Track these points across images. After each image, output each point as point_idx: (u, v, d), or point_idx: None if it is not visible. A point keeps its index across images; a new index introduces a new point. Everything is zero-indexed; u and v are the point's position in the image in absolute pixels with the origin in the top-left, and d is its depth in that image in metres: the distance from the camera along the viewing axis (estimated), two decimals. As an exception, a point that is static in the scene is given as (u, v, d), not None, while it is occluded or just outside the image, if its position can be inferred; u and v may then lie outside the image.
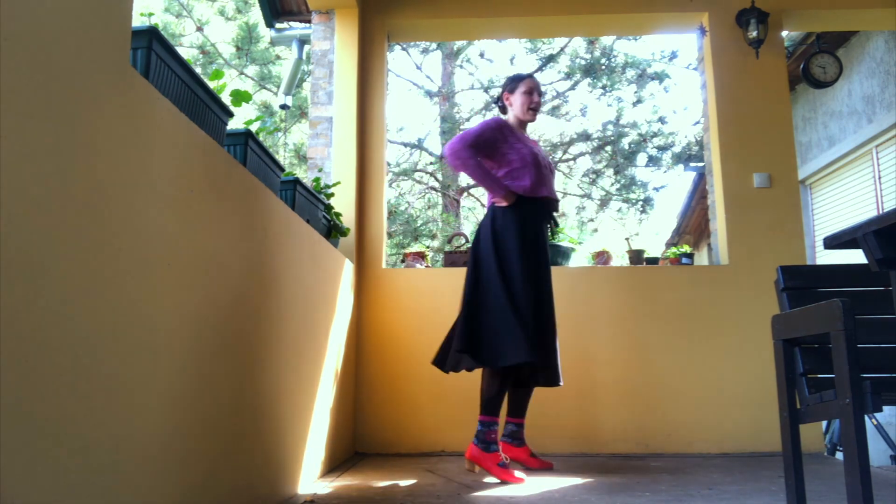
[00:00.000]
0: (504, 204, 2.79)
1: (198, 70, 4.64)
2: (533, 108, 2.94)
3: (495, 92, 9.26)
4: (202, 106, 1.69)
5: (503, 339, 2.59)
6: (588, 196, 9.81)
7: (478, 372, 2.81)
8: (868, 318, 1.83)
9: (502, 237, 2.76)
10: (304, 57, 4.72)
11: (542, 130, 9.96)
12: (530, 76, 3.02)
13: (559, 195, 3.14)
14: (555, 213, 2.99)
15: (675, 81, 10.28)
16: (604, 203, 9.78)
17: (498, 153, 2.83)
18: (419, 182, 9.58)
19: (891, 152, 4.84)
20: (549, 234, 2.96)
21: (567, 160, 9.63)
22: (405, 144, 9.58)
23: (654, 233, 14.33)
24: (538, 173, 2.82)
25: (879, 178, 4.97)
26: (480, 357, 2.63)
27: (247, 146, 1.99)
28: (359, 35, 3.73)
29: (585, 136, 9.45)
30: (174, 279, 1.41)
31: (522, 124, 2.99)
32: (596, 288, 3.54)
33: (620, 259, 4.23)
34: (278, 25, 4.59)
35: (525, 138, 2.95)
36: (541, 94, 2.99)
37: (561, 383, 2.85)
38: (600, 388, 3.43)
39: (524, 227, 2.77)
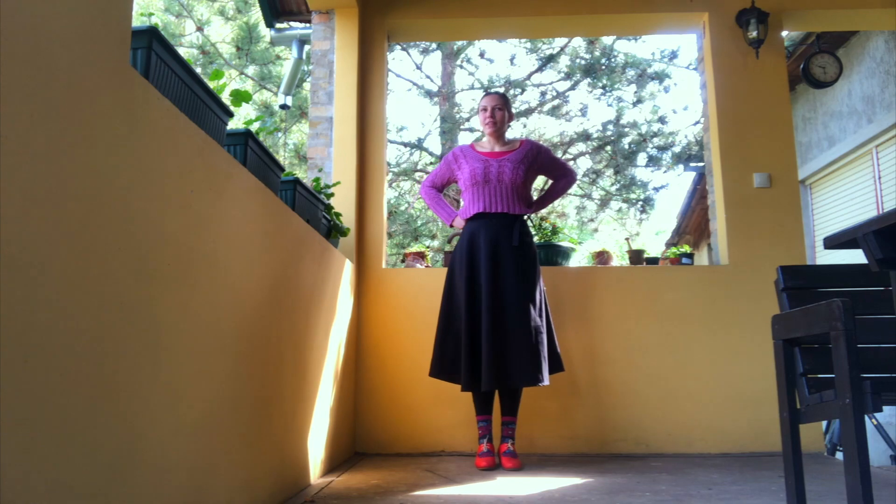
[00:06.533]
0: (459, 228, 3.14)
1: (198, 70, 4.64)
2: (489, 123, 3.15)
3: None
4: (202, 106, 1.69)
5: (463, 365, 2.87)
6: (588, 196, 9.80)
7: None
8: (868, 318, 1.83)
9: (452, 263, 3.09)
10: (304, 57, 4.72)
11: (542, 130, 9.96)
12: (488, 94, 3.26)
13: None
14: (525, 217, 3.08)
15: (675, 81, 10.26)
16: (604, 203, 9.78)
17: (457, 181, 3.20)
18: (419, 182, 9.58)
19: (891, 152, 4.84)
20: (518, 241, 2.98)
21: (567, 160, 9.62)
22: (405, 144, 9.58)
23: (654, 233, 14.34)
24: (475, 191, 3.06)
25: (879, 178, 4.97)
26: (453, 377, 2.99)
27: (247, 146, 1.99)
28: (359, 35, 3.73)
29: (585, 136, 9.45)
30: (174, 279, 1.41)
31: (494, 138, 3.18)
32: (596, 288, 3.54)
33: (620, 259, 4.23)
34: (278, 25, 4.59)
35: (480, 155, 3.13)
36: (499, 108, 3.17)
37: (540, 384, 2.86)
38: (600, 388, 3.43)
39: (472, 247, 3.00)
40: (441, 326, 3.04)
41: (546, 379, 2.86)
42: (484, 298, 2.88)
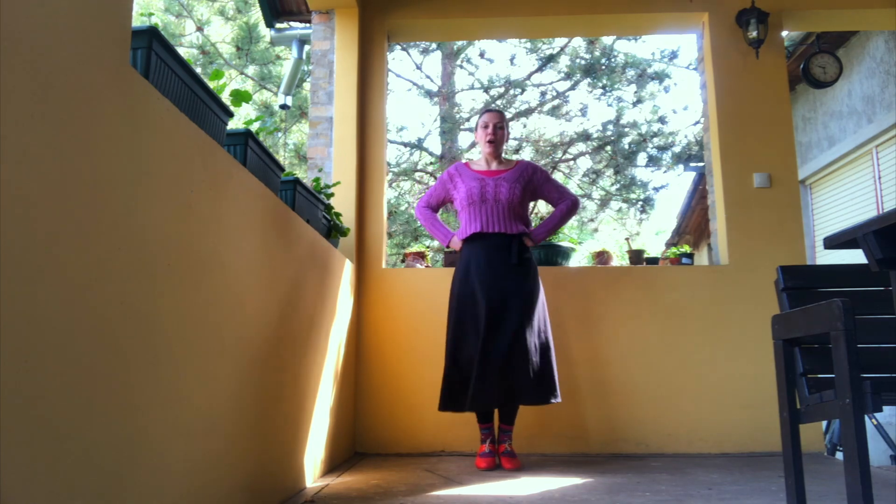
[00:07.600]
0: (456, 249, 3.11)
1: (198, 70, 4.64)
2: (489, 141, 3.11)
3: (495, 92, 9.26)
4: (202, 106, 1.69)
5: (473, 385, 2.79)
6: (588, 196, 9.80)
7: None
8: (868, 318, 1.83)
9: (453, 283, 3.03)
10: (304, 57, 4.72)
11: (542, 130, 9.96)
12: (488, 111, 3.22)
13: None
14: (522, 235, 3.02)
15: (675, 81, 10.25)
16: (604, 203, 9.77)
17: (453, 201, 3.16)
18: (419, 182, 9.58)
19: (891, 152, 4.84)
20: (517, 258, 2.96)
21: (567, 160, 9.61)
22: (405, 144, 9.57)
23: (654, 233, 14.34)
24: (471, 211, 3.03)
25: (879, 178, 4.97)
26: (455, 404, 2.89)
27: (247, 146, 1.99)
28: (359, 35, 3.73)
29: (585, 136, 9.44)
30: (174, 279, 1.41)
31: (492, 156, 3.15)
32: (596, 288, 3.54)
33: (620, 259, 4.23)
34: (278, 25, 4.59)
35: (476, 174, 3.11)
36: (500, 126, 3.14)
37: (549, 402, 2.83)
38: (600, 388, 3.43)
39: (469, 266, 2.97)
40: (450, 354, 2.93)
41: (558, 396, 2.86)
42: (484, 319, 2.81)
